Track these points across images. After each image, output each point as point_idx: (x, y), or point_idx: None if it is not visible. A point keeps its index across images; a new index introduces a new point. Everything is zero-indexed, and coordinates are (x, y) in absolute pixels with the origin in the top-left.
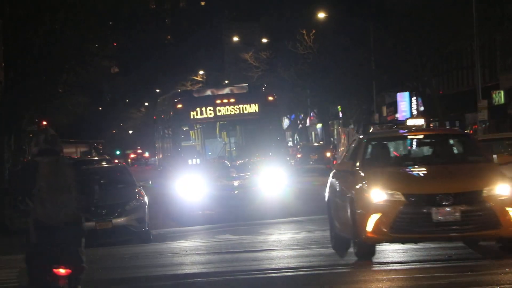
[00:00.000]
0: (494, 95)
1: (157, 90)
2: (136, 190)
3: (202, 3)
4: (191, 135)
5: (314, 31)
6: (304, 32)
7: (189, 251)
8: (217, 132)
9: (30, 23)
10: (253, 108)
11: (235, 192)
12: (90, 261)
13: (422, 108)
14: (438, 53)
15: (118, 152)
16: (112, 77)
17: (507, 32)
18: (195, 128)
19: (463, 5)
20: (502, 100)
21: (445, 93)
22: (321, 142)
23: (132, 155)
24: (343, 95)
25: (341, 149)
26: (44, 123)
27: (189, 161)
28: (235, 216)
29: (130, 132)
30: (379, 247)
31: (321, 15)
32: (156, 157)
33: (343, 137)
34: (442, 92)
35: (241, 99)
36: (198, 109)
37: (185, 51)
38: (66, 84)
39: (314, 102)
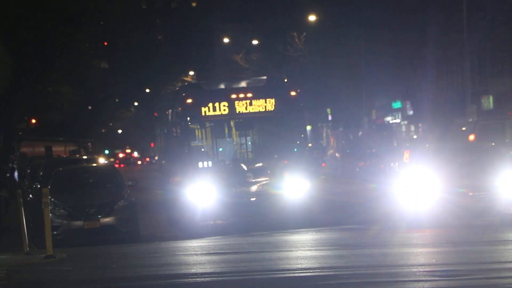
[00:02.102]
0: (483, 100)
1: (147, 90)
2: (125, 190)
3: (194, 4)
4: (201, 134)
5: (305, 34)
6: (295, 34)
7: (177, 251)
8: (232, 131)
9: (21, 21)
10: (274, 104)
11: (252, 199)
12: (77, 260)
13: (411, 112)
14: (427, 58)
15: (107, 152)
16: (102, 75)
17: (497, 38)
18: (207, 126)
19: (453, 11)
20: (491, 105)
21: (435, 98)
22: (310, 145)
23: (121, 155)
24: (333, 98)
25: (330, 151)
26: (34, 121)
27: (200, 164)
28: (253, 226)
29: (119, 131)
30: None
31: (312, 17)
32: (157, 158)
33: (332, 140)
34: (431, 96)
35: (260, 93)
36: (210, 105)
37: (176, 51)
38: (56, 82)
39: (304, 105)
